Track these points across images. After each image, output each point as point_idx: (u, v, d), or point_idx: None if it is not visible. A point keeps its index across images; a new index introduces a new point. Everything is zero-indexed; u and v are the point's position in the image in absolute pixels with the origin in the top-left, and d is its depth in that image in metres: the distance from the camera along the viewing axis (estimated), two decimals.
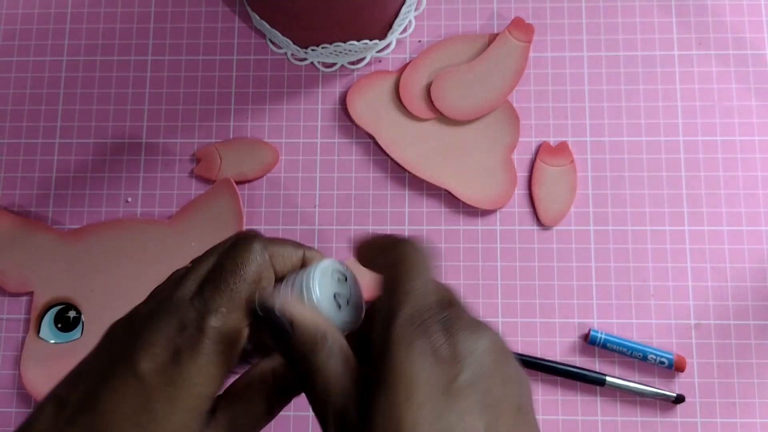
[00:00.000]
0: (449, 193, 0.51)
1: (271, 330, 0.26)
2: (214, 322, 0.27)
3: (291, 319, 0.26)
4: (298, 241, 0.31)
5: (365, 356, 0.27)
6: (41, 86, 0.54)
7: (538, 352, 0.48)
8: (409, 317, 0.25)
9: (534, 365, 0.48)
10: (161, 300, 0.28)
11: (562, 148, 0.51)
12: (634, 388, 0.47)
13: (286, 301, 0.27)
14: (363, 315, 0.30)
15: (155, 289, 0.31)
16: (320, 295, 0.28)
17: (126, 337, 0.28)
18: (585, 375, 0.47)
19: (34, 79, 0.54)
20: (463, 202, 0.50)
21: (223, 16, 0.54)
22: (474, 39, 0.53)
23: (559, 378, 0.48)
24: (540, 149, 0.51)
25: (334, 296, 0.29)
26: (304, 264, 0.30)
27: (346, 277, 0.30)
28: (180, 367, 0.26)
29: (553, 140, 0.51)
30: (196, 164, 0.52)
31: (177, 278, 0.29)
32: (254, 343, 0.29)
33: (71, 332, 0.49)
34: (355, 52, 0.52)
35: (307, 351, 0.26)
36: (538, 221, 0.50)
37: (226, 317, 0.27)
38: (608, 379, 0.47)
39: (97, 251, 0.50)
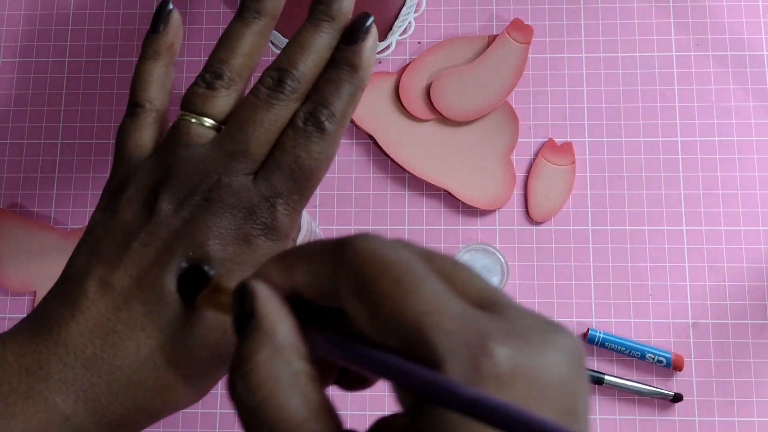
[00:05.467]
0: (449, 193, 0.51)
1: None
2: None
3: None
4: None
5: None
6: (43, 87, 0.54)
7: None
8: (467, 364, 0.19)
9: None
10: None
11: (566, 149, 0.51)
12: (633, 387, 0.47)
13: None
14: None
15: None
16: None
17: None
18: None
19: (37, 79, 0.54)
20: (463, 202, 0.51)
21: (224, 17, 0.55)
22: (473, 40, 0.53)
23: None
24: (544, 146, 0.51)
25: None
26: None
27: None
28: None
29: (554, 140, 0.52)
30: None
31: None
32: None
33: None
34: None
35: None
36: (528, 215, 0.51)
37: None
38: (606, 377, 0.47)
39: None
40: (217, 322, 0.28)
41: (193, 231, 0.28)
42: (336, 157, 0.52)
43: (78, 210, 0.52)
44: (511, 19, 0.53)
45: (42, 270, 0.50)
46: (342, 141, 0.52)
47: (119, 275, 0.28)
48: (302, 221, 0.41)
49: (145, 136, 0.31)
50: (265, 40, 0.32)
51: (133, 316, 0.27)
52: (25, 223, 0.51)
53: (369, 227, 0.51)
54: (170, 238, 0.28)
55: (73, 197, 0.52)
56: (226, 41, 0.31)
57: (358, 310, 0.20)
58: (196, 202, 0.28)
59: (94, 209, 0.37)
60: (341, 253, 0.21)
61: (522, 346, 0.19)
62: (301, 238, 0.42)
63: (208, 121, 0.30)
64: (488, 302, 0.20)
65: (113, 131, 0.53)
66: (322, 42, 0.30)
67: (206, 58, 0.54)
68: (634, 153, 0.51)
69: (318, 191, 0.52)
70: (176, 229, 0.28)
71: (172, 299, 0.28)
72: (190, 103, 0.30)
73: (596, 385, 0.48)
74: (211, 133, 0.30)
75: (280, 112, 0.29)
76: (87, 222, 0.51)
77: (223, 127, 0.30)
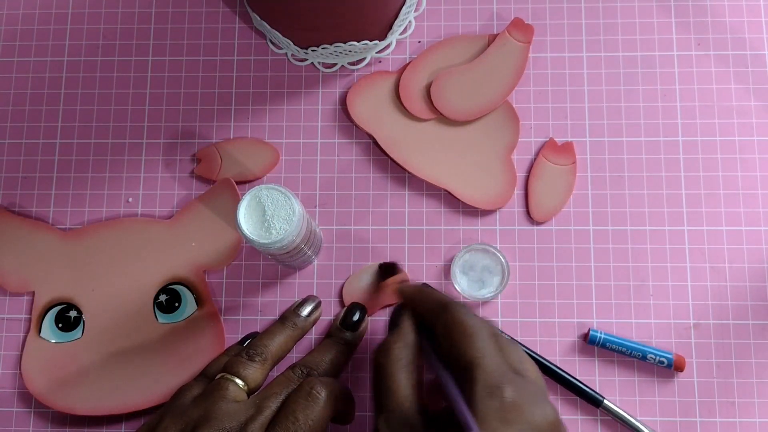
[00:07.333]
0: (449, 193, 0.51)
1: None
2: None
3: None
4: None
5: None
6: (42, 86, 0.54)
7: (538, 351, 0.48)
8: (488, 388, 0.33)
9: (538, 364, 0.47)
10: None
11: (566, 148, 0.51)
12: (628, 421, 0.46)
13: None
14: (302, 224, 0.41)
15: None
16: (244, 226, 0.39)
17: None
18: (583, 391, 0.47)
19: (35, 79, 0.54)
20: (463, 202, 0.51)
21: (224, 16, 0.55)
22: (474, 40, 0.53)
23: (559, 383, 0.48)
24: (545, 145, 0.51)
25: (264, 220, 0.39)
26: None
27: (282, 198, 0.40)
28: None
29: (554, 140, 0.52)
30: (197, 164, 0.52)
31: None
32: None
33: (72, 332, 0.49)
34: (355, 52, 0.52)
35: None
36: (528, 215, 0.50)
37: None
38: (606, 402, 0.47)
39: (97, 251, 0.50)
40: None
41: None
42: (336, 157, 0.52)
43: (76, 210, 0.52)
44: (512, 18, 0.53)
45: (40, 270, 0.50)
46: (342, 141, 0.52)
47: None
48: (302, 221, 0.41)
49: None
50: (293, 344, 0.44)
51: None
52: (23, 223, 0.51)
53: (369, 227, 0.51)
54: None
55: (71, 197, 0.52)
56: (268, 334, 0.44)
57: (443, 341, 0.37)
58: None
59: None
60: (445, 310, 0.38)
61: (524, 395, 0.33)
62: (301, 238, 0.42)
63: (242, 384, 0.40)
64: (518, 369, 0.36)
65: (112, 131, 0.53)
66: (339, 356, 0.43)
67: (205, 58, 0.54)
68: (635, 153, 0.51)
69: (318, 191, 0.51)
70: None
71: None
72: (232, 367, 0.41)
73: (596, 407, 0.47)
74: (244, 395, 0.40)
75: None
76: (87, 222, 0.51)
77: (248, 390, 0.40)
